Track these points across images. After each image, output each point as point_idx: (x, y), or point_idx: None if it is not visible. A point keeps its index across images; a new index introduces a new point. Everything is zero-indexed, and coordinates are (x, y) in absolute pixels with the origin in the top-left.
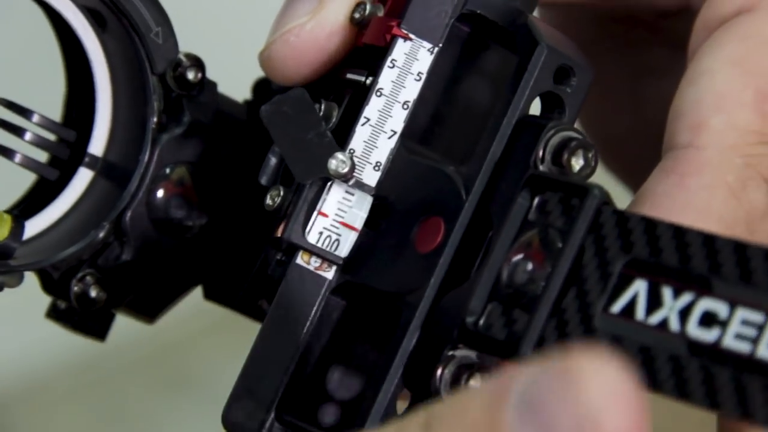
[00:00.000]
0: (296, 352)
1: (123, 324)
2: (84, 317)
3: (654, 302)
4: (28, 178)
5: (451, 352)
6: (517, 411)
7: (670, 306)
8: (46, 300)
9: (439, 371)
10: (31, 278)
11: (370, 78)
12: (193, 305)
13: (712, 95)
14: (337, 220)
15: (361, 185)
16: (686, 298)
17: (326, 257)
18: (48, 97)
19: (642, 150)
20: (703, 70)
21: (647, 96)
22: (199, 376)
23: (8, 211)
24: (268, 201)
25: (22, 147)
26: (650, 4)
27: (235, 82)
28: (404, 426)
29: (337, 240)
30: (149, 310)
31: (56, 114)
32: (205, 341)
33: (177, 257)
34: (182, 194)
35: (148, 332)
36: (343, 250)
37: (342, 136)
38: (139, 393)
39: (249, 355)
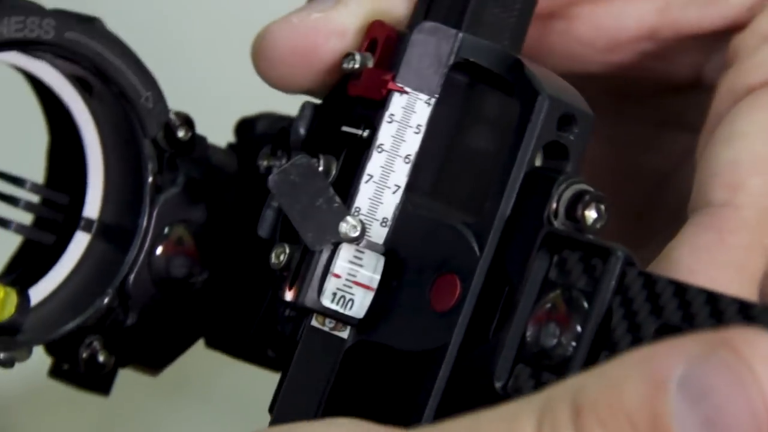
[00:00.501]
0: (317, 413)
1: None
2: (89, 376)
3: None
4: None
5: None
6: (681, 401)
7: None
8: None
9: None
10: None
11: (367, 131)
12: None
13: (750, 157)
14: (350, 279)
15: (370, 245)
16: None
17: (342, 319)
18: (25, 158)
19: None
20: (738, 133)
21: (628, 169)
22: (198, 378)
23: (2, 278)
24: (274, 259)
25: (16, 215)
26: (663, 76)
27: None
28: (551, 405)
29: (352, 300)
30: (154, 364)
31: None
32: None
33: (180, 314)
34: (183, 252)
35: None
36: (359, 310)
37: (343, 191)
38: (139, 394)
39: (272, 419)
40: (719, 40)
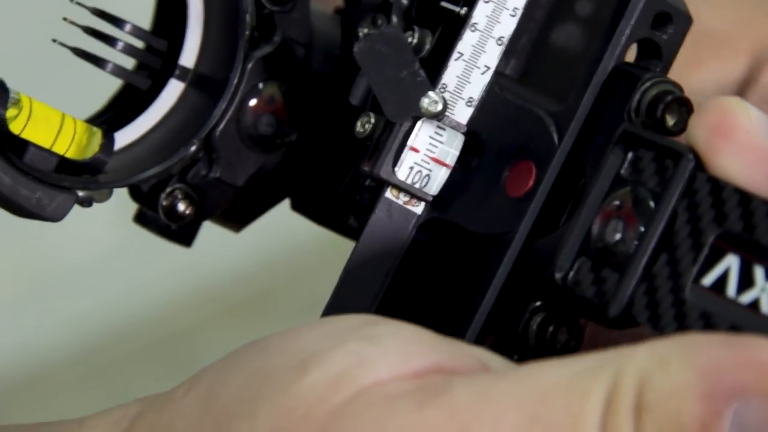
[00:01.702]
0: (383, 287)
1: (129, 312)
2: (169, 225)
3: (746, 280)
4: (104, 90)
5: (538, 302)
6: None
7: (762, 287)
8: (44, 286)
9: (525, 320)
10: (24, 281)
11: (465, 8)
12: (201, 292)
13: None
14: (428, 155)
15: (453, 123)
16: None
17: (415, 194)
18: (136, 7)
19: None
20: None
21: None
22: (205, 364)
23: (93, 120)
24: (359, 128)
25: (114, 56)
26: None
27: None
28: (619, 392)
29: (428, 176)
30: (237, 219)
31: (146, 24)
32: (212, 328)
33: (265, 172)
34: (273, 111)
35: (154, 319)
36: (433, 187)
37: (434, 69)
38: (145, 381)
39: (336, 287)
40: None
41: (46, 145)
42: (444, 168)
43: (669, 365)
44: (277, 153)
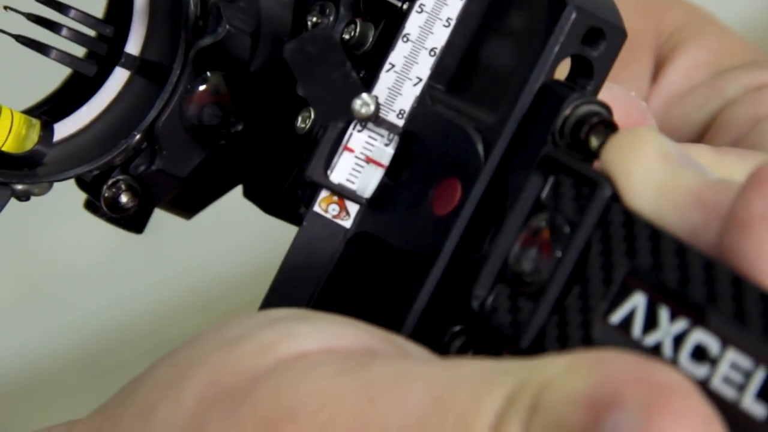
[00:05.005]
0: (311, 299)
1: (124, 320)
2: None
3: (651, 321)
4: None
5: (458, 327)
6: None
7: (666, 330)
8: (44, 289)
9: (445, 343)
10: (24, 284)
11: (407, 3)
12: (195, 300)
13: None
14: (363, 155)
15: (388, 124)
16: (681, 324)
17: (349, 196)
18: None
19: None
20: None
21: None
22: None
23: (34, 110)
24: (299, 123)
25: (58, 43)
26: None
27: None
28: (513, 404)
29: (362, 177)
30: (186, 208)
31: (98, 11)
32: None
33: (211, 163)
34: (217, 102)
35: (152, 325)
36: (367, 189)
37: (375, 64)
38: None
39: (264, 299)
40: None
41: None
42: (379, 169)
43: (573, 374)
44: (223, 143)
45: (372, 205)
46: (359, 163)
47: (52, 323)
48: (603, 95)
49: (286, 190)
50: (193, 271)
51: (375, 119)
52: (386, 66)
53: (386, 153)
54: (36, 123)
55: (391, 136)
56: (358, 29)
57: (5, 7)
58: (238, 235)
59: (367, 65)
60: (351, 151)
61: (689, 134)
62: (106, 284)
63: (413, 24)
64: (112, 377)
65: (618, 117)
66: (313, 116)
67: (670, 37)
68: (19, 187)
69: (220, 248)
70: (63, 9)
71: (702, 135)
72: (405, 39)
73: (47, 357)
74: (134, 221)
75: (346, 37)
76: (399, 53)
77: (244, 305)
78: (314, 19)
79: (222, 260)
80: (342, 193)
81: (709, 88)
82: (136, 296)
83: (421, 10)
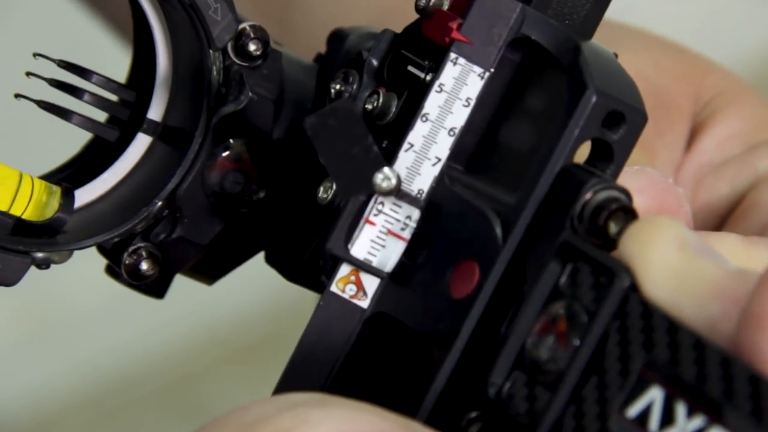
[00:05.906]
0: (328, 379)
1: (136, 357)
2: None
3: (667, 417)
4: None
5: (474, 413)
6: None
7: (683, 427)
8: (54, 329)
9: (462, 428)
10: (33, 323)
11: (430, 74)
12: (207, 338)
13: None
14: (384, 229)
15: (410, 198)
16: (698, 421)
17: (370, 271)
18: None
19: None
20: None
21: None
22: (212, 409)
23: (54, 175)
24: (321, 194)
25: (81, 108)
26: None
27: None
28: None
29: (383, 251)
30: (208, 274)
31: (120, 77)
32: (219, 373)
33: (233, 230)
34: (239, 169)
35: (161, 365)
36: (388, 264)
37: (398, 134)
38: (153, 426)
39: (281, 378)
40: None
41: (2, 207)
42: (401, 242)
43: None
44: (245, 211)
45: (393, 279)
46: (381, 237)
47: (62, 362)
48: (641, 180)
49: (308, 259)
50: (201, 311)
51: (397, 193)
52: (405, 145)
53: (408, 227)
54: (57, 190)
55: (412, 209)
56: (381, 100)
57: (28, 73)
58: (246, 274)
59: (390, 136)
60: (372, 224)
61: (718, 207)
62: (114, 326)
63: (433, 103)
64: (120, 417)
65: (653, 203)
66: (334, 187)
67: (707, 105)
68: (40, 255)
69: (228, 288)
70: (85, 74)
71: (731, 210)
72: (424, 119)
73: (57, 397)
74: (155, 287)
75: (369, 107)
76: (418, 133)
77: (253, 345)
78: (337, 87)
79: (230, 300)
80: (363, 267)
81: (741, 162)
82: (144, 336)
83: (441, 90)
